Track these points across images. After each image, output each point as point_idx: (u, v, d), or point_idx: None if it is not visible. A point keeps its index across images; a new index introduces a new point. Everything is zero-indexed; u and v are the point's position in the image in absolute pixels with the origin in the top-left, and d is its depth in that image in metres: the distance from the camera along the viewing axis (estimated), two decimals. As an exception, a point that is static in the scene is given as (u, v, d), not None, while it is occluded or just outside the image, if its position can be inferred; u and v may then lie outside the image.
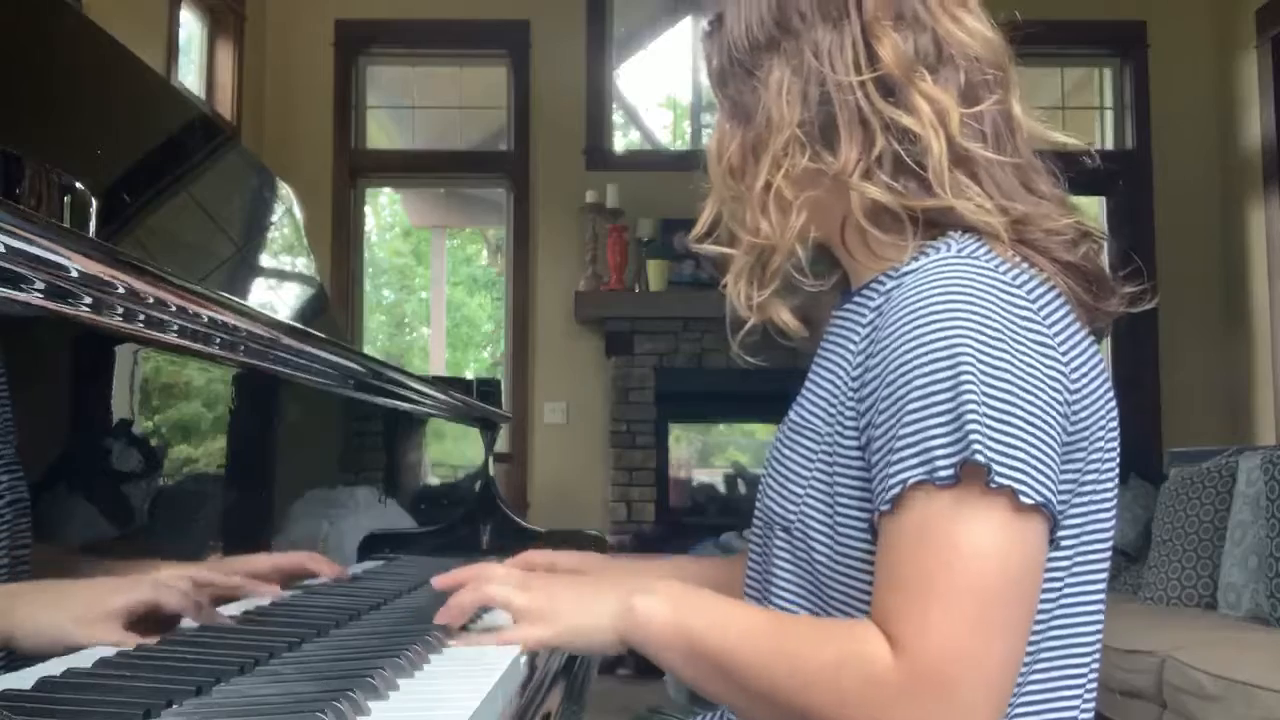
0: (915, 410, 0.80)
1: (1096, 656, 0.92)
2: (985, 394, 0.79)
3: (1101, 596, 0.91)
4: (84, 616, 0.86)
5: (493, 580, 0.98)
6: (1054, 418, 0.81)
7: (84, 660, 0.80)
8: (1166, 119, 5.15)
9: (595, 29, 5.20)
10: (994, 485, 0.77)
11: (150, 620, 0.90)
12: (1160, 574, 3.44)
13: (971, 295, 0.82)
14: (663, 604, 0.89)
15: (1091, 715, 0.93)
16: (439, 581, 1.03)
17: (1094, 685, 0.92)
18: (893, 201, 0.89)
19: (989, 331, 0.81)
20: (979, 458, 0.77)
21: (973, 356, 0.79)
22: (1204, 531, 3.34)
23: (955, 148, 0.89)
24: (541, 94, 5.17)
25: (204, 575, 1.02)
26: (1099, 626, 0.91)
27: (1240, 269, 4.97)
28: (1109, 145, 5.32)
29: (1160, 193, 5.13)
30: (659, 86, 6.49)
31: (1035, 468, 0.78)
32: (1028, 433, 0.79)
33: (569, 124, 5.13)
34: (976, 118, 0.90)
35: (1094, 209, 5.42)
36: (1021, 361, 0.80)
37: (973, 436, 0.77)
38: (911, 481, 0.79)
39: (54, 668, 0.77)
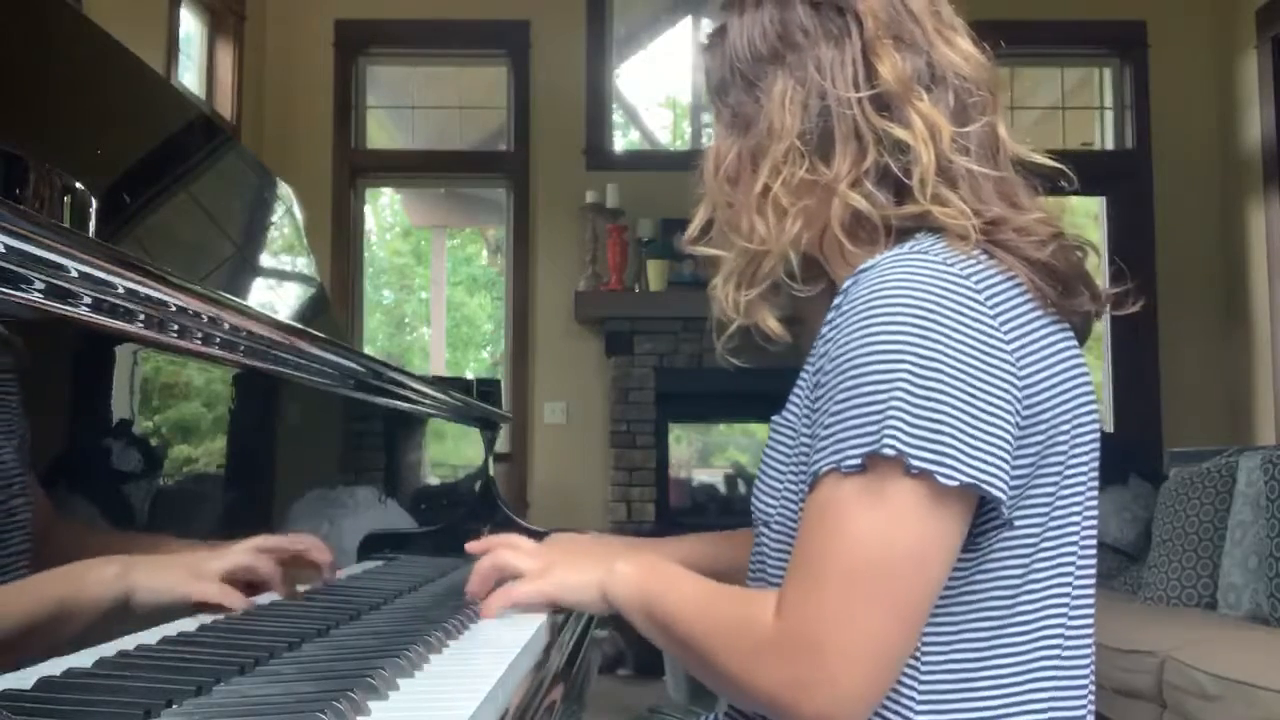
0: (841, 400, 0.86)
1: (1081, 651, 0.93)
2: (916, 383, 0.83)
3: (1089, 585, 0.93)
4: (195, 573, 1.00)
5: (510, 548, 1.14)
6: (993, 403, 0.84)
7: (84, 660, 0.80)
8: (1166, 119, 5.15)
9: (595, 29, 5.20)
10: (914, 471, 0.82)
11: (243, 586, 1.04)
12: (1160, 574, 3.44)
13: (914, 287, 0.86)
14: (635, 569, 1.02)
15: (1090, 713, 0.93)
16: (472, 546, 1.19)
17: (1087, 680, 0.93)
18: (872, 212, 0.94)
19: (927, 322, 0.84)
20: (887, 450, 0.82)
21: (909, 348, 0.84)
22: (1204, 531, 3.34)
23: (942, 160, 0.93)
24: (541, 94, 5.17)
25: (272, 543, 1.15)
26: (1088, 611, 0.93)
27: (1240, 269, 4.97)
28: (1109, 145, 5.33)
29: (1160, 193, 5.13)
30: (659, 86, 6.49)
31: (962, 451, 0.82)
32: (956, 418, 0.83)
33: (569, 124, 5.13)
34: (965, 136, 0.95)
35: (1094, 209, 5.42)
36: (958, 350, 0.84)
37: (888, 428, 0.82)
38: (823, 469, 0.85)
39: (54, 668, 0.77)
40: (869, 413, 0.83)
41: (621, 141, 5.64)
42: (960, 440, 0.82)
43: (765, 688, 0.85)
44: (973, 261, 0.90)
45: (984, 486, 0.83)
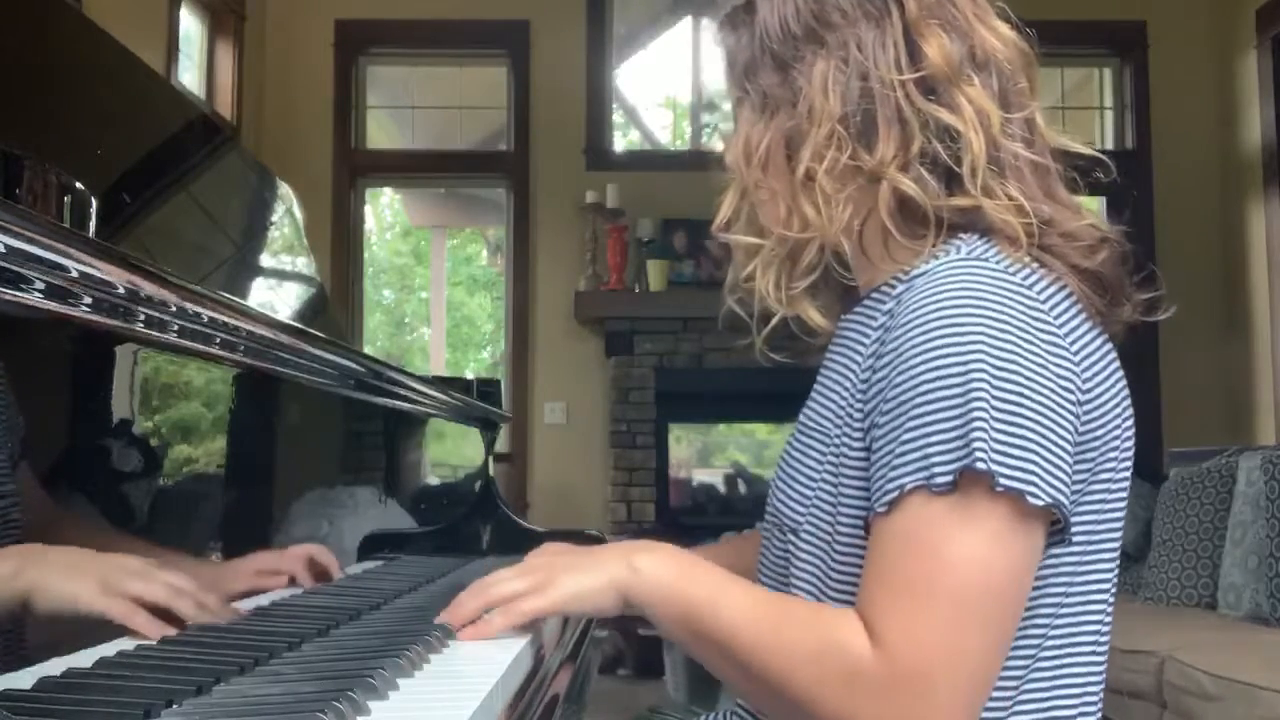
0: (920, 414, 0.81)
1: (1104, 658, 0.92)
2: (995, 398, 0.79)
3: (1109, 598, 0.92)
4: (106, 587, 0.85)
5: (495, 581, 0.97)
6: (1065, 418, 0.82)
7: (84, 660, 0.80)
8: (1166, 119, 5.15)
9: (595, 29, 5.20)
10: (1000, 489, 0.78)
11: (160, 614, 0.89)
12: (1160, 574, 3.44)
13: (982, 297, 0.83)
14: (666, 566, 0.90)
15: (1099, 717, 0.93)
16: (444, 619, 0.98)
17: (1102, 688, 0.93)
18: (923, 199, 0.89)
19: (1000, 334, 0.81)
20: (979, 465, 0.78)
21: (984, 360, 0.80)
22: (1204, 531, 3.34)
23: (991, 148, 0.90)
24: (541, 94, 5.17)
25: (215, 574, 1.02)
26: (1107, 627, 0.92)
27: (1240, 269, 4.97)
28: (1109, 145, 5.32)
29: (1160, 193, 5.13)
30: (659, 86, 6.48)
31: (1044, 469, 0.79)
32: (1037, 434, 0.80)
33: (569, 124, 5.13)
34: (1011, 123, 0.91)
35: (1094, 209, 5.42)
36: (1032, 362, 0.81)
37: (976, 444, 0.78)
38: (909, 486, 0.80)
39: (54, 668, 0.77)
40: (951, 427, 0.79)
41: (621, 141, 5.64)
42: (1043, 459, 0.79)
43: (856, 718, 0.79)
44: (1029, 271, 0.87)
45: (1061, 507, 0.80)
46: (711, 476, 5.41)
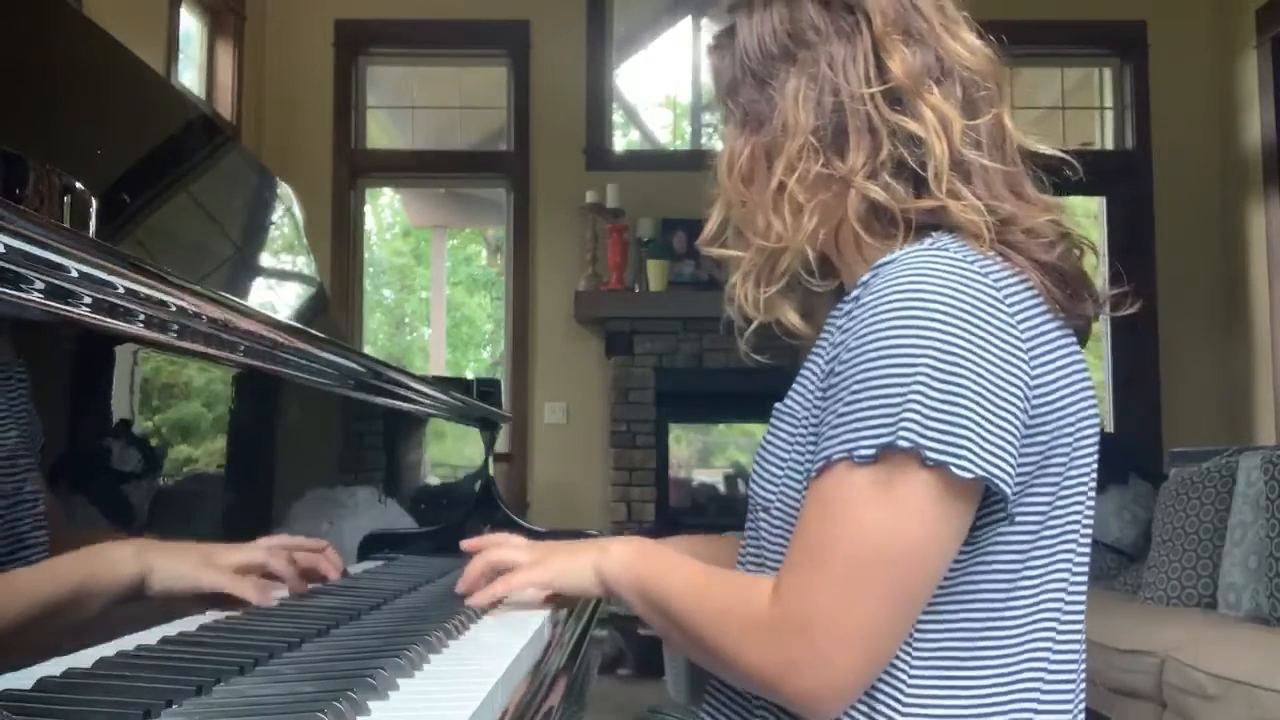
0: (857, 390, 0.87)
1: (1070, 655, 0.93)
2: (937, 374, 0.84)
3: (1071, 590, 0.93)
4: (209, 562, 1.01)
5: (499, 549, 1.14)
6: (1007, 398, 0.86)
7: (84, 660, 0.80)
8: (1166, 119, 5.15)
9: (595, 29, 5.20)
10: (930, 463, 0.83)
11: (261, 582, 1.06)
12: (1160, 574, 3.44)
13: (936, 281, 0.87)
14: (631, 550, 1.05)
15: (1080, 713, 0.94)
16: (466, 544, 1.19)
17: (1075, 679, 0.94)
18: (890, 203, 0.94)
19: (949, 316, 0.86)
20: (903, 443, 0.83)
21: (931, 340, 0.85)
22: (1204, 531, 3.34)
23: (954, 153, 0.94)
24: (541, 94, 5.17)
25: (288, 542, 1.18)
26: (1070, 619, 0.93)
27: (1240, 269, 4.97)
28: (1109, 145, 5.33)
29: (1160, 193, 5.13)
30: (659, 86, 6.48)
31: (978, 444, 0.84)
32: (973, 411, 0.84)
33: (569, 124, 5.13)
34: (974, 128, 0.96)
35: (1094, 209, 5.42)
36: (977, 343, 0.85)
37: (905, 421, 0.83)
38: (835, 457, 0.86)
39: (54, 668, 0.77)
40: (886, 404, 0.84)
41: (621, 141, 5.64)
42: (975, 434, 0.84)
43: (754, 665, 0.88)
44: (989, 261, 0.91)
45: (995, 480, 0.84)
46: (711, 476, 5.42)
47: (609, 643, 4.13)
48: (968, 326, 0.86)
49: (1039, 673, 0.91)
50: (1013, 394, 0.86)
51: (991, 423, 0.84)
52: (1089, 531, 0.95)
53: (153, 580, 0.93)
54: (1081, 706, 0.94)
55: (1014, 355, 0.87)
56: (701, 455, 5.47)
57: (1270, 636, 2.82)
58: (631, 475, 4.87)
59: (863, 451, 0.85)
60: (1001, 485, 0.85)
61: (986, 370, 0.85)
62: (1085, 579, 0.95)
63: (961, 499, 0.85)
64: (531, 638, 1.02)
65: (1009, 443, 0.85)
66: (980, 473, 0.83)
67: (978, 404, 0.84)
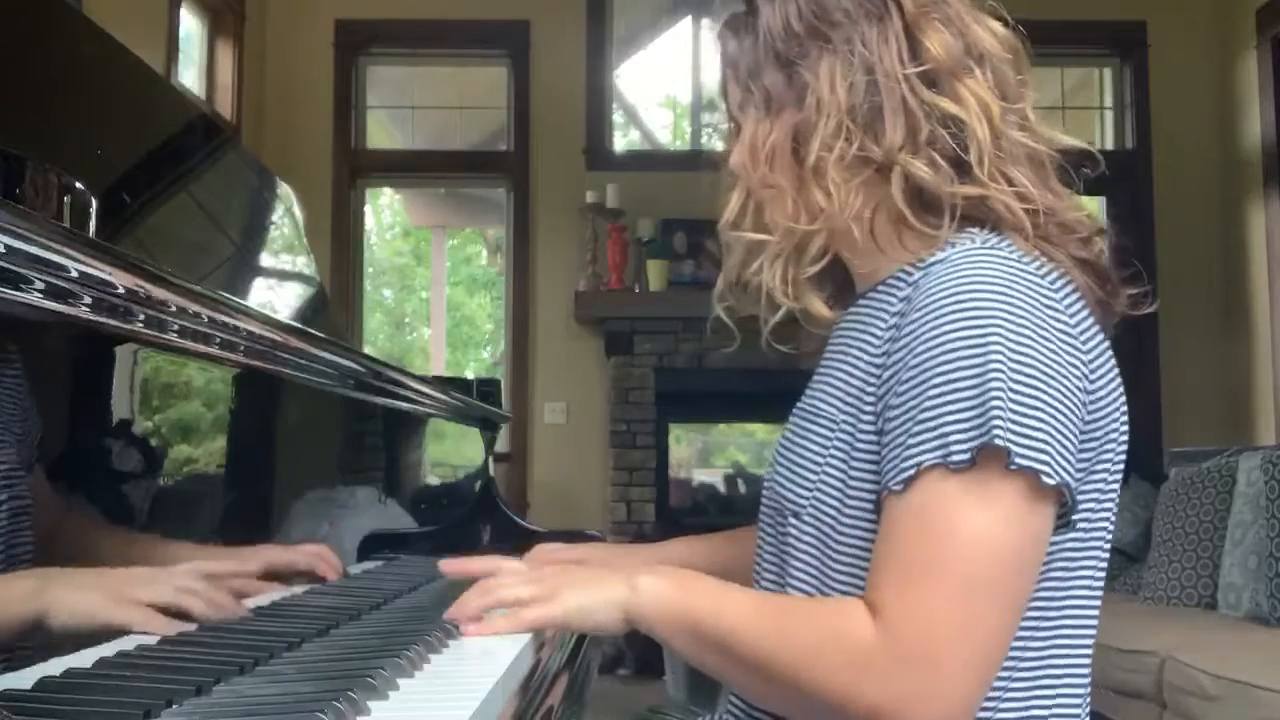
0: (936, 394, 0.83)
1: (1088, 654, 0.93)
2: (1012, 379, 0.81)
3: (1097, 594, 0.93)
4: (118, 598, 0.88)
5: (502, 584, 0.99)
6: (1074, 405, 0.85)
7: (84, 660, 0.80)
8: (1166, 119, 5.14)
9: (595, 29, 5.20)
10: (1014, 467, 0.80)
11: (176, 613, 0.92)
12: (1160, 574, 3.44)
13: (1000, 285, 0.85)
14: (665, 582, 0.92)
15: (1085, 713, 0.94)
16: (447, 567, 1.09)
17: (1087, 687, 0.93)
18: (936, 183, 0.91)
19: (1016, 319, 0.84)
20: (998, 441, 0.79)
21: (1001, 344, 0.82)
22: (1204, 531, 3.34)
23: (996, 136, 0.92)
24: (541, 94, 5.17)
25: (219, 567, 1.05)
26: (1092, 624, 0.93)
27: (1240, 269, 4.97)
28: (1109, 145, 5.32)
29: (1160, 193, 5.13)
30: (659, 86, 6.48)
31: (1057, 450, 0.81)
32: (1051, 417, 0.82)
33: (569, 124, 5.13)
34: (1015, 112, 0.94)
35: (1094, 209, 5.42)
36: (1047, 349, 0.84)
37: (994, 421, 0.80)
38: (927, 464, 0.82)
39: (54, 668, 0.77)
40: (968, 406, 0.81)
41: (621, 141, 5.63)
42: (1056, 440, 0.82)
43: (871, 703, 0.80)
44: (1039, 262, 0.90)
45: (1071, 490, 0.83)
46: (711, 476, 5.42)
47: (609, 643, 4.12)
48: (1034, 327, 0.84)
49: (1060, 677, 0.90)
50: (1077, 403, 0.85)
51: (1064, 430, 0.83)
52: (1111, 535, 0.94)
53: (53, 617, 0.84)
54: (1088, 709, 0.94)
55: (1077, 359, 0.86)
56: (701, 455, 5.47)
57: (1270, 636, 2.82)
58: (631, 475, 4.86)
59: (957, 456, 0.80)
60: (1072, 494, 0.83)
61: (1056, 373, 0.83)
62: (1103, 583, 0.94)
63: (1045, 505, 0.83)
64: (532, 638, 1.02)
65: (1074, 450, 0.84)
66: (1059, 479, 0.81)
67: (1053, 408, 0.82)
